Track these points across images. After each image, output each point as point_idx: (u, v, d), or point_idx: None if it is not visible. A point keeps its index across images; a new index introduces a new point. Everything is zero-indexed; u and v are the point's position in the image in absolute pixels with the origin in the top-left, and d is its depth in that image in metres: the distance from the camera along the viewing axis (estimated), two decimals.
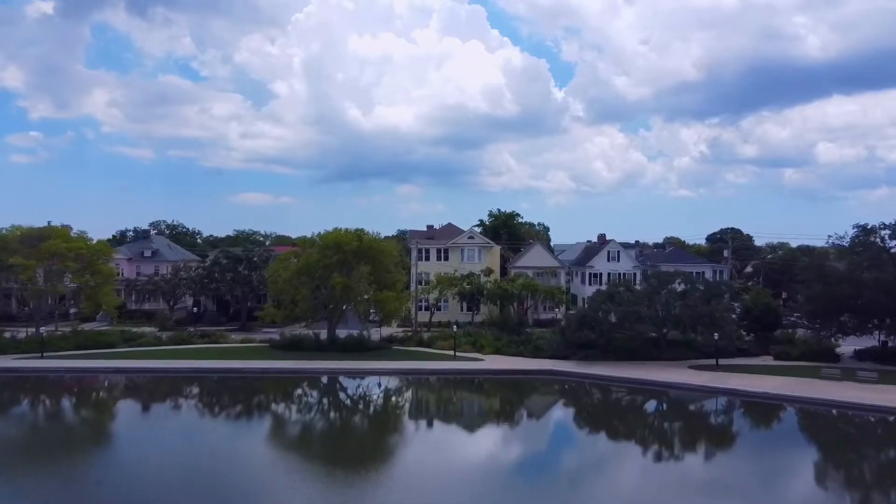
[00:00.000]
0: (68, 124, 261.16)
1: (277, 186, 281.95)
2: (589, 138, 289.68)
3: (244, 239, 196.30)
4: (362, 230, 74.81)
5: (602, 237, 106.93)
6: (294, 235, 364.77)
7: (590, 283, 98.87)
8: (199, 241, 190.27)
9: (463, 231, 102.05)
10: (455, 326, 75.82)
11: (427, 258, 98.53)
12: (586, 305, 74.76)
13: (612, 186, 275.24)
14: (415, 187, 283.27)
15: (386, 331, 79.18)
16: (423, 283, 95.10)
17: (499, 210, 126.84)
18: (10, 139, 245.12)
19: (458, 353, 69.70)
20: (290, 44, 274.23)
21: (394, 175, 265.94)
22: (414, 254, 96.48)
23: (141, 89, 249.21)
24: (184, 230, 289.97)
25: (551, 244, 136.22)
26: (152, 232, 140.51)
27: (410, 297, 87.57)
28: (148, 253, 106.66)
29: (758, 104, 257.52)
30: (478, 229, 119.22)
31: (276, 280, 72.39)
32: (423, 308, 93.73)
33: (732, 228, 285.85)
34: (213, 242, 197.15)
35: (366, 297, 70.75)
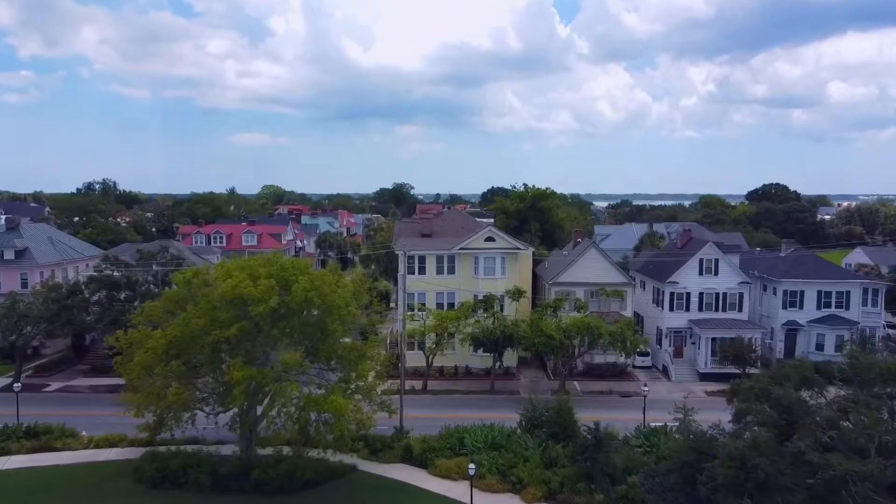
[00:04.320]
0: (60, 63, 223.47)
1: (275, 127, 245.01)
2: (594, 77, 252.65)
3: (210, 200, 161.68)
4: (279, 255, 40.85)
5: (687, 233, 71.79)
6: (288, 186, 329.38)
7: (673, 308, 64.52)
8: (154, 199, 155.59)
9: (480, 226, 67.19)
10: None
11: (422, 270, 64.03)
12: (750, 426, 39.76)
13: (616, 127, 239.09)
14: (415, 127, 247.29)
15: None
16: (416, 311, 61.15)
17: (525, 186, 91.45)
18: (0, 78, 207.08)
19: (478, 489, 36.14)
20: None
21: (394, 115, 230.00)
22: (402, 265, 62.06)
23: (133, 26, 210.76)
24: (124, 192, 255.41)
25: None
26: (46, 210, 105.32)
27: (397, 334, 53.78)
28: (10, 254, 71.93)
29: (770, 41, 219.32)
30: (490, 218, 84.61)
31: (126, 363, 38.22)
32: (416, 345, 60.28)
33: (776, 184, 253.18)
34: (187, 202, 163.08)
35: (295, 398, 36.18)
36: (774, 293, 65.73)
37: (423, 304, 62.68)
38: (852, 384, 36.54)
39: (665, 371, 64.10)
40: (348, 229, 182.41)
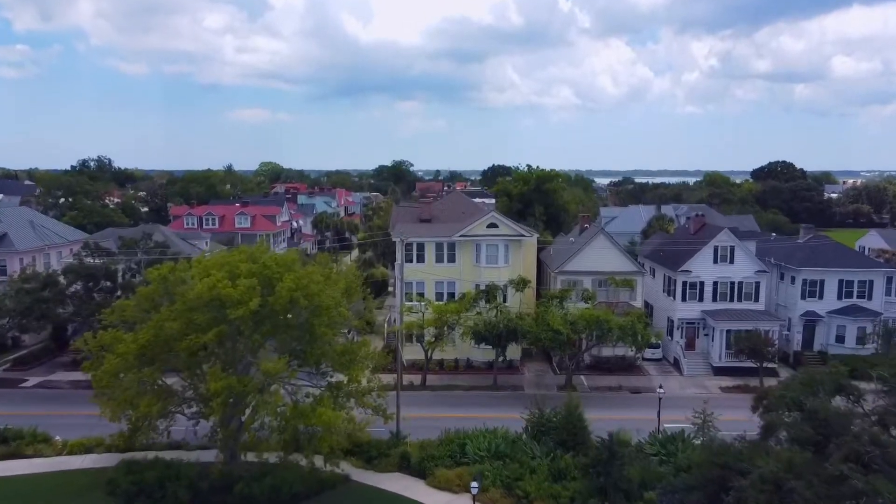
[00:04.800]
0: (56, 37, 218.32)
1: (274, 102, 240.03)
2: (595, 52, 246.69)
3: (204, 178, 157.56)
4: (264, 249, 37.44)
5: (700, 219, 68.05)
6: (287, 163, 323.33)
7: (686, 298, 61.10)
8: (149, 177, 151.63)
9: (482, 211, 63.59)
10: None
11: (421, 258, 60.55)
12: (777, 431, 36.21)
13: (617, 102, 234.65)
14: (415, 103, 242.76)
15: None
16: (414, 301, 57.89)
17: (528, 168, 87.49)
18: None
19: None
20: None
21: (394, 90, 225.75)
22: (399, 254, 58.56)
23: None
24: (119, 169, 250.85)
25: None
26: (39, 190, 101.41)
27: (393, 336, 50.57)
28: None
29: (774, 15, 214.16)
30: (491, 198, 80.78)
31: (95, 367, 34.86)
32: (415, 338, 57.07)
33: (783, 162, 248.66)
34: (180, 181, 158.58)
35: (280, 408, 32.85)
36: (792, 282, 62.30)
37: (422, 295, 59.31)
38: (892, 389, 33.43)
39: (677, 364, 60.88)
40: (346, 208, 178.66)
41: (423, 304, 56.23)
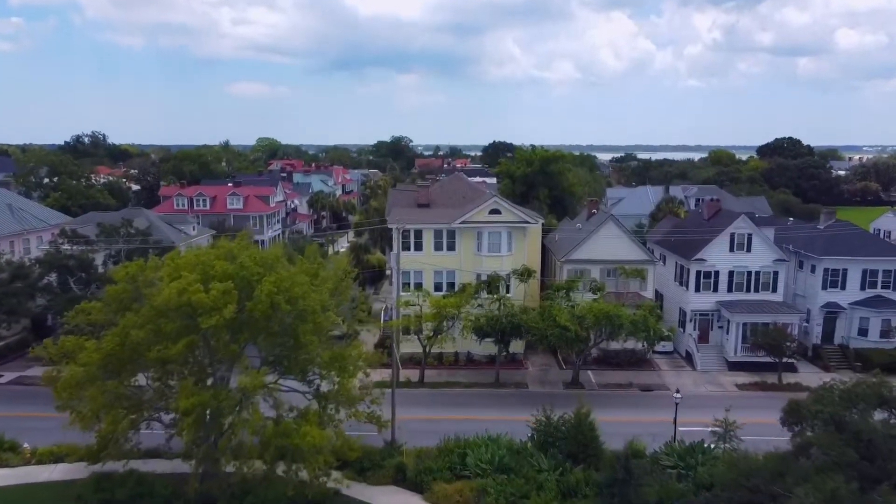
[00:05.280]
0: (51, 10, 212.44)
1: (272, 76, 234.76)
2: (596, 25, 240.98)
3: (198, 156, 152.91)
4: (247, 243, 34.01)
5: (715, 203, 64.18)
6: (285, 138, 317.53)
7: (700, 289, 57.65)
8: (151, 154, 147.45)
9: (483, 195, 59.81)
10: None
11: (418, 246, 57.00)
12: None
13: (619, 76, 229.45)
14: (415, 77, 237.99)
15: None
16: (412, 291, 54.63)
17: (532, 148, 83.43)
18: None
19: None
20: None
21: (393, 64, 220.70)
22: (396, 243, 55.03)
23: None
24: (114, 145, 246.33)
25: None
26: (13, 172, 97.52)
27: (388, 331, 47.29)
28: None
29: None
30: (493, 178, 76.81)
31: (56, 377, 31.46)
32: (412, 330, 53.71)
33: (789, 138, 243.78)
34: (173, 158, 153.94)
35: (259, 427, 29.50)
36: (813, 271, 58.79)
37: (420, 286, 55.88)
38: None
39: (689, 358, 57.62)
40: (343, 186, 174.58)
41: (420, 295, 52.81)
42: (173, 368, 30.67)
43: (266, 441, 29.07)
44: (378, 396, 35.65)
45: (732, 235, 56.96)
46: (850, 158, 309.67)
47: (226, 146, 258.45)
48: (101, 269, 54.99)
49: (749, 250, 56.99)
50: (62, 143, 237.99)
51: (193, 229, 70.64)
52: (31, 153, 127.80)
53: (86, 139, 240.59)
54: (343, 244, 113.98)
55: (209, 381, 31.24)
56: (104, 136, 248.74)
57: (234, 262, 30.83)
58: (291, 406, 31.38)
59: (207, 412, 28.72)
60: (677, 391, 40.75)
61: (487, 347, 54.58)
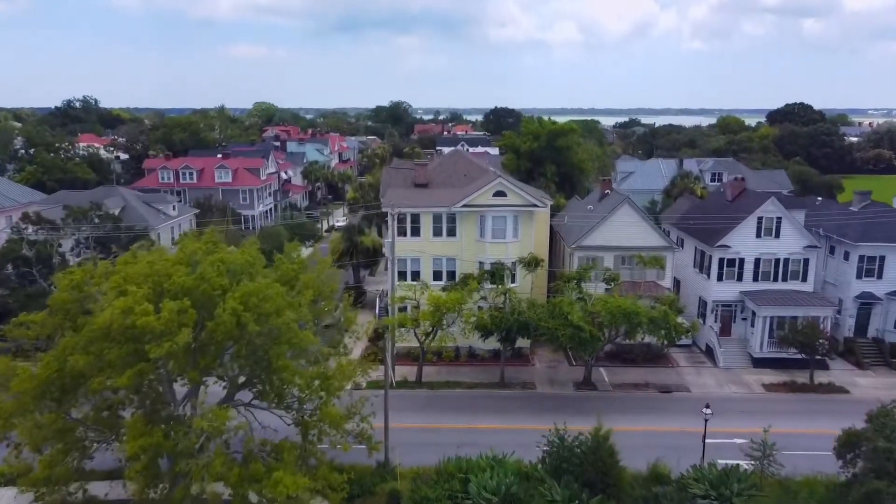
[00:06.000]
0: None
1: (271, 38, 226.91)
2: None
3: (188, 123, 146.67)
4: (217, 242, 29.25)
5: (740, 183, 58.77)
6: (284, 102, 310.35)
7: (723, 277, 52.83)
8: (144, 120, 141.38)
9: (486, 174, 54.55)
10: None
11: (416, 231, 52.05)
12: None
13: (621, 38, 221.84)
14: (415, 38, 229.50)
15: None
16: (407, 280, 50.00)
17: (539, 120, 77.66)
18: None
19: None
20: None
21: (394, 25, 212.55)
22: (391, 229, 50.07)
23: None
24: (106, 110, 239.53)
25: None
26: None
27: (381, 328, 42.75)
28: None
29: None
30: (497, 152, 71.25)
31: None
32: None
33: (800, 103, 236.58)
34: (163, 127, 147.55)
35: (222, 470, 24.90)
36: (846, 258, 53.90)
37: (418, 275, 51.16)
38: None
39: (709, 353, 53.08)
40: (340, 155, 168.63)
41: (417, 288, 48.01)
42: (124, 398, 25.98)
43: (232, 486, 24.48)
44: (369, 415, 31.20)
45: (760, 219, 51.90)
46: (859, 123, 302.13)
47: (221, 110, 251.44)
48: (69, 258, 50.22)
49: (778, 236, 51.99)
50: (53, 107, 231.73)
51: (174, 209, 65.49)
52: (1, 125, 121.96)
53: (77, 104, 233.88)
54: (339, 217, 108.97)
55: (168, 411, 26.58)
56: (96, 100, 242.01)
57: (195, 270, 25.92)
58: (264, 440, 26.81)
59: (161, 456, 24.09)
60: (707, 406, 36.11)
61: (491, 342, 49.90)
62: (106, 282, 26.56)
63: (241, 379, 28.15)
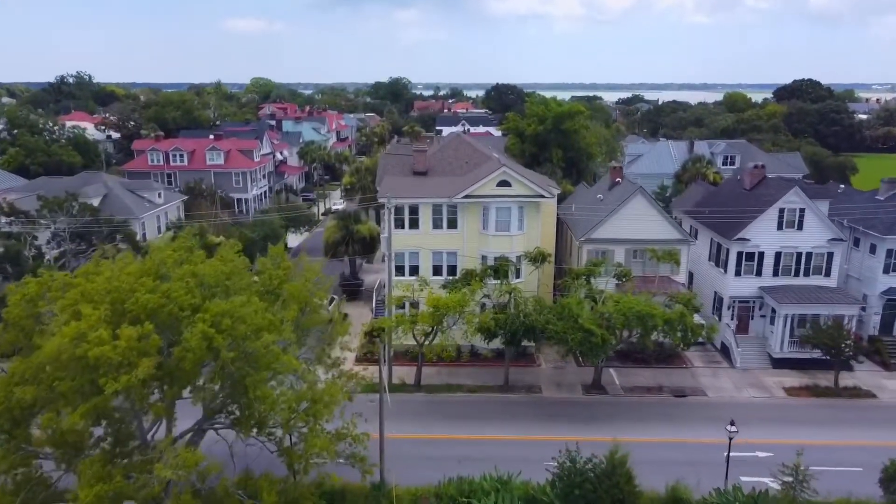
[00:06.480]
0: None
1: (269, 10, 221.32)
2: None
3: (181, 102, 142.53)
4: (193, 249, 26.02)
5: (759, 171, 55.21)
6: (282, 77, 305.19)
7: (741, 273, 49.70)
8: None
9: (490, 161, 51.14)
10: None
11: (414, 223, 48.77)
12: None
13: (624, 11, 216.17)
14: (414, 11, 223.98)
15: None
16: (405, 276, 46.86)
17: (545, 102, 73.76)
18: None
19: None
20: None
21: None
22: (388, 222, 46.86)
23: None
24: (100, 85, 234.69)
25: None
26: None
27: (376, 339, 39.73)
28: None
29: None
30: (499, 131, 67.59)
31: None
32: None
33: (809, 80, 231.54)
34: (155, 105, 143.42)
35: None
36: (872, 252, 50.72)
37: (416, 270, 48.03)
38: None
39: (725, 352, 50.08)
40: (338, 133, 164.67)
41: (415, 286, 44.88)
42: (83, 430, 22.95)
43: None
44: (362, 434, 28.26)
45: (782, 211, 48.60)
46: (867, 100, 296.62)
47: (218, 86, 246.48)
48: (45, 251, 47.07)
49: (801, 228, 48.73)
50: (46, 83, 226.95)
51: (160, 196, 62.05)
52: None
53: (70, 79, 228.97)
54: (336, 199, 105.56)
55: (135, 443, 23.59)
56: (90, 76, 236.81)
57: (159, 288, 22.72)
58: (240, 479, 23.84)
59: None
60: (731, 423, 33.07)
61: (495, 342, 46.91)
62: (63, 297, 23.37)
63: (216, 404, 25.05)
